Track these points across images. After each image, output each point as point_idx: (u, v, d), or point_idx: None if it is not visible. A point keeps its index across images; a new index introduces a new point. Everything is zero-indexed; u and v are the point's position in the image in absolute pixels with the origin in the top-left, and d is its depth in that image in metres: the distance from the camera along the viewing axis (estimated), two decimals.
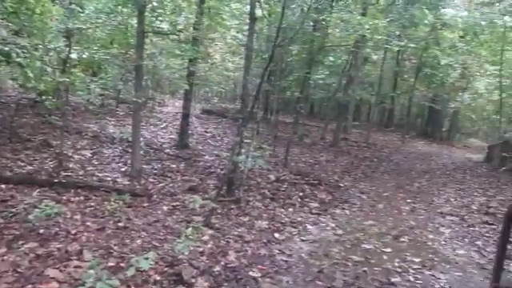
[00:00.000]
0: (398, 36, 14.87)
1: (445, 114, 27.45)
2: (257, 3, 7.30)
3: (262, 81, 6.32)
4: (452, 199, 10.29)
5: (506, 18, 16.63)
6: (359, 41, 11.94)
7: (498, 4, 16.72)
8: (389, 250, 5.96)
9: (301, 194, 8.28)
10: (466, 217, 8.67)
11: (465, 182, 13.03)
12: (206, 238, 5.07)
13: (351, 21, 9.44)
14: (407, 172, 13.57)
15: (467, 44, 20.98)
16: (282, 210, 7.06)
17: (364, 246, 6.00)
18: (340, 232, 6.47)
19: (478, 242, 7.09)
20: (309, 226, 6.52)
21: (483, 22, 18.25)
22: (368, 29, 9.40)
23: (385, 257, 5.67)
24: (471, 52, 21.95)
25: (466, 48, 21.39)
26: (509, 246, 7.05)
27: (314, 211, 7.38)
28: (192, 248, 4.43)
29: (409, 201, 9.52)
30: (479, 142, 31.64)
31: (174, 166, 8.82)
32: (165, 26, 8.56)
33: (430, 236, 7.04)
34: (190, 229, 4.36)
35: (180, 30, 8.75)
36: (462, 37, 19.73)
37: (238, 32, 14.38)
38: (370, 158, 14.84)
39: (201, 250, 4.76)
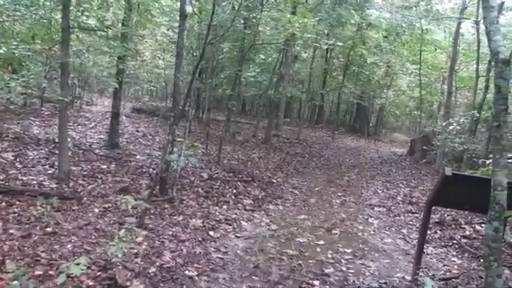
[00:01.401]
0: (327, 35, 15.32)
1: (371, 110, 28.65)
2: (187, 0, 7.22)
3: (193, 78, 6.26)
4: (379, 191, 10.78)
5: (423, 21, 17.63)
6: (289, 39, 12.15)
7: (414, 8, 17.66)
8: (322, 242, 6.14)
9: (234, 191, 8.30)
10: (392, 207, 9.12)
11: (391, 174, 13.68)
12: (139, 239, 4.95)
13: (281, 19, 9.59)
14: (337, 166, 14.02)
15: (390, 44, 22.02)
16: (216, 207, 7.05)
17: (298, 239, 6.13)
18: (274, 227, 6.56)
19: (403, 230, 7.49)
20: (243, 223, 6.55)
21: (404, 24, 19.25)
22: (298, 27, 9.58)
23: (318, 249, 5.83)
24: (394, 51, 23.08)
25: (389, 47, 22.45)
26: (429, 232, 7.48)
27: (247, 208, 7.43)
28: (126, 250, 4.31)
29: (339, 194, 9.85)
30: (403, 136, 33.31)
31: (104, 166, 8.52)
32: (92, 22, 8.23)
33: (360, 227, 7.33)
34: (122, 231, 4.23)
35: (108, 27, 8.46)
36: (385, 37, 20.69)
37: (168, 29, 14.12)
38: (302, 154, 15.18)
39: (135, 251, 4.64)
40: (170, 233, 5.47)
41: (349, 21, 15.77)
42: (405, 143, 25.59)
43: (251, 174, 9.98)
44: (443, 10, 17.06)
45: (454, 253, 6.51)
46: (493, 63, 3.80)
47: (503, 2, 11.06)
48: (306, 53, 25.08)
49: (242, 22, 11.90)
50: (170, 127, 6.65)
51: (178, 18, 7.61)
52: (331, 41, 12.33)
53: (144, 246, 4.83)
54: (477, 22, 12.41)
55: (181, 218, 6.14)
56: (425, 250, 6.50)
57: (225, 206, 7.21)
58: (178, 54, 6.44)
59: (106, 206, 6.10)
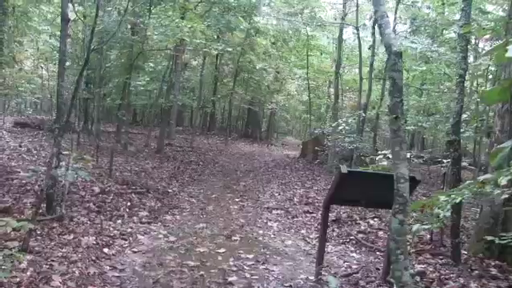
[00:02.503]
0: (217, 40, 15.39)
1: (263, 115, 29.32)
2: (69, 4, 6.76)
3: (77, 86, 5.85)
4: (276, 194, 11.00)
5: (308, 27, 18.49)
6: (178, 45, 11.97)
7: (300, 15, 18.44)
8: (223, 250, 6.06)
9: (128, 203, 7.93)
10: (290, 209, 9.34)
11: (285, 177, 14.06)
12: (23, 265, 4.46)
13: (170, 24, 9.40)
14: (233, 172, 14.09)
15: (278, 50, 22.76)
16: (110, 222, 6.66)
17: (198, 249, 5.99)
18: (172, 239, 6.36)
19: (302, 231, 7.69)
20: (140, 236, 6.26)
21: (290, 31, 20.04)
22: (187, 32, 9.46)
23: (220, 258, 5.74)
24: (282, 57, 23.90)
25: (277, 53, 23.20)
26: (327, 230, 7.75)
27: (143, 220, 7.13)
28: (6, 280, 3.86)
29: (237, 200, 9.88)
30: (294, 139, 34.63)
31: None
32: None
33: (260, 231, 7.39)
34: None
35: None
36: (273, 43, 21.32)
37: (50, 36, 13.16)
38: (196, 162, 15.04)
39: (17, 280, 4.17)
40: (60, 254, 5.03)
41: (238, 27, 16.01)
42: (296, 146, 26.59)
43: (145, 184, 9.64)
44: (326, 17, 18.06)
45: (353, 248, 6.82)
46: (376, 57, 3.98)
47: None
48: (195, 60, 25.04)
49: (129, 27, 11.45)
50: (54, 139, 6.16)
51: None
52: (220, 46, 12.37)
53: (29, 273, 4.36)
54: (357, 28, 13.25)
55: (71, 236, 5.69)
56: (325, 250, 6.75)
57: (119, 221, 6.84)
58: (61, 60, 5.98)
59: None
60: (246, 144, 25.08)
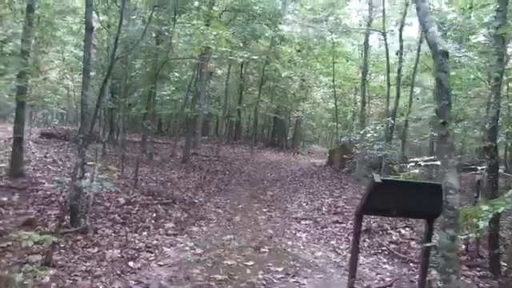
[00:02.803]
0: (242, 48, 15.27)
1: (289, 123, 29.05)
2: (93, 13, 6.70)
3: (100, 95, 5.75)
4: (304, 204, 10.71)
5: (334, 35, 18.23)
6: (204, 53, 11.86)
7: (325, 22, 18.20)
8: (251, 263, 5.82)
9: (154, 214, 7.78)
10: (318, 219, 9.04)
11: (313, 185, 13.74)
12: (46, 279, 4.33)
13: (195, 32, 9.29)
14: (259, 182, 13.86)
15: (303, 58, 22.52)
16: (136, 234, 6.50)
17: (226, 262, 5.77)
18: (199, 251, 6.15)
19: (332, 242, 7.40)
20: (166, 249, 6.07)
21: (315, 39, 19.81)
22: (212, 40, 9.33)
23: (248, 271, 5.51)
24: (307, 65, 23.66)
25: (302, 61, 22.97)
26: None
27: (169, 232, 6.95)
28: None
29: (264, 210, 9.63)
30: (320, 147, 34.24)
31: (4, 198, 7.62)
32: None
33: (289, 242, 7.13)
34: (21, 274, 3.62)
35: (3, 41, 7.64)
36: (298, 51, 21.10)
37: (75, 47, 13.24)
38: (222, 172, 14.87)
39: None
40: (84, 268, 4.88)
41: (263, 34, 15.86)
42: (323, 154, 26.19)
43: (171, 195, 9.49)
44: (351, 23, 17.77)
45: (385, 260, 6.50)
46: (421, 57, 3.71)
47: None
48: (220, 69, 25.04)
49: (154, 35, 11.39)
50: (78, 150, 6.05)
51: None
52: (246, 54, 12.20)
53: None
54: (384, 34, 12.92)
55: (96, 249, 5.55)
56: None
57: (145, 233, 6.68)
58: (85, 70, 5.89)
59: (4, 245, 5.31)
60: (272, 153, 24.83)
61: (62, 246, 5.42)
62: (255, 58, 14.32)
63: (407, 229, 8.53)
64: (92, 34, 6.00)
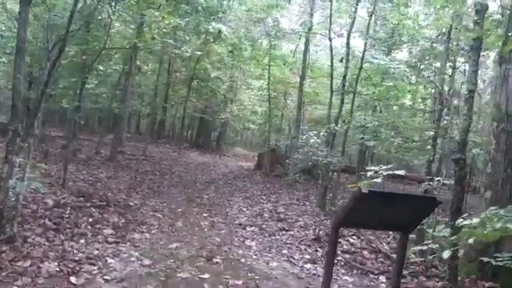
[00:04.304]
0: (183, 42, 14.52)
1: (214, 124, 28.46)
2: None
3: (48, 79, 4.88)
4: (244, 209, 10.29)
5: (271, 37, 17.99)
6: (138, 45, 10.99)
7: (259, 24, 17.87)
8: (207, 275, 5.28)
9: (90, 219, 6.92)
10: (263, 226, 8.66)
11: (247, 190, 13.36)
12: None
13: (147, 19, 8.44)
14: (192, 184, 13.23)
15: (234, 59, 22.07)
16: (72, 242, 5.66)
17: (179, 275, 5.17)
18: (147, 262, 5.48)
19: (284, 251, 7.04)
20: (110, 260, 5.33)
21: (246, 41, 19.44)
22: (163, 28, 8.57)
23: (206, 285, 4.96)
24: (237, 66, 23.28)
25: (232, 62, 22.52)
26: (309, 250, 7.13)
27: (110, 239, 6.17)
28: None
29: (205, 215, 9.08)
30: (242, 150, 34.01)
31: None
32: None
33: (240, 251, 6.66)
34: None
35: None
36: (230, 51, 20.61)
37: None
38: (153, 172, 14.03)
39: None
40: None
41: (207, 30, 15.18)
42: (251, 157, 25.98)
43: (104, 196, 8.62)
44: (288, 27, 17.65)
45: (343, 270, 6.24)
46: None
47: None
48: (147, 66, 23.97)
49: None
50: (7, 145, 5.14)
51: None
52: (190, 48, 11.46)
53: None
54: (330, 38, 12.83)
55: (28, 262, 4.69)
56: (314, 272, 6.11)
57: (82, 240, 5.86)
58: (19, 49, 4.99)
59: None
60: (198, 154, 24.11)
61: None
62: (199, 53, 13.63)
63: (354, 237, 8.40)
64: (29, 8, 5.10)
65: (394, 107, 17.81)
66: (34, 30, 11.09)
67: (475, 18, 5.56)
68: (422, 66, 15.98)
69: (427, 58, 14.13)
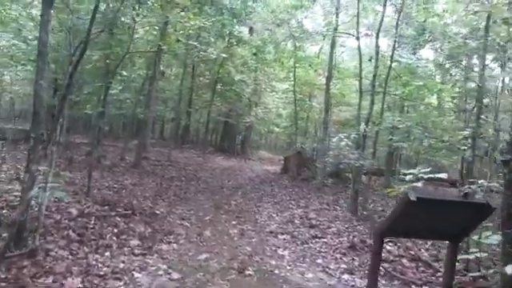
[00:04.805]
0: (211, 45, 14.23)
1: (239, 128, 28.16)
2: None
3: (69, 82, 4.61)
4: (274, 215, 9.91)
5: (295, 39, 17.60)
6: (164, 46, 10.70)
7: (287, 25, 17.48)
8: None
9: (115, 229, 6.64)
10: (295, 233, 8.28)
11: (276, 195, 12.99)
12: None
13: (173, 21, 8.16)
14: (219, 190, 12.91)
15: (257, 62, 21.73)
16: (97, 255, 5.37)
17: None
18: (176, 276, 5.16)
19: (318, 261, 6.65)
20: (136, 274, 5.02)
21: (270, 44, 19.09)
22: (190, 30, 8.28)
23: None
24: (261, 69, 22.95)
25: (256, 65, 22.19)
26: (345, 259, 6.70)
27: (136, 251, 5.87)
28: None
29: (234, 222, 8.73)
30: (267, 153, 33.64)
31: None
32: None
33: (273, 262, 6.29)
34: None
35: None
36: (254, 54, 20.28)
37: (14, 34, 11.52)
38: (178, 178, 13.76)
39: None
40: None
41: (232, 32, 14.88)
42: (276, 161, 25.60)
43: (130, 205, 8.33)
44: (313, 27, 17.23)
45: (384, 281, 5.80)
46: None
47: None
48: (171, 70, 23.84)
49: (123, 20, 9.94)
50: (29, 153, 4.88)
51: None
52: (215, 51, 11.17)
53: None
54: (358, 38, 12.37)
55: (50, 278, 4.41)
56: (353, 283, 5.70)
57: (107, 253, 5.56)
58: (41, 53, 4.73)
59: None
60: (223, 158, 23.85)
61: (2, 277, 4.24)
62: (224, 56, 13.33)
63: (391, 244, 7.95)
64: (51, 10, 4.85)
65: (421, 107, 17.26)
66: (59, 36, 10.97)
67: None
68: (447, 65, 15.43)
69: (457, 55, 13.57)
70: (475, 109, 14.77)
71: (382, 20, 11.16)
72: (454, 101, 15.63)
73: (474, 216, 4.08)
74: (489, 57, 12.18)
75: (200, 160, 20.39)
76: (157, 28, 8.90)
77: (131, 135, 19.68)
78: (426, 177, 5.82)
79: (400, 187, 6.32)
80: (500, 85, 14.77)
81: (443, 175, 5.80)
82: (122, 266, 5.18)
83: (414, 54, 17.63)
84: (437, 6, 14.88)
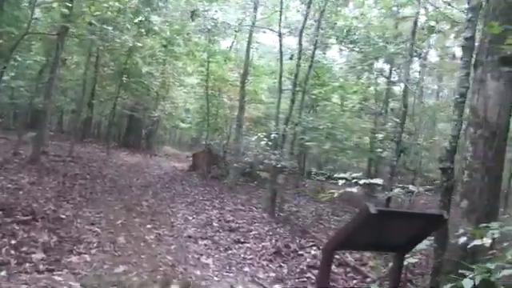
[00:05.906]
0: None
1: (145, 122, 26.89)
2: None
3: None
4: (189, 217, 9.38)
5: (209, 32, 17.01)
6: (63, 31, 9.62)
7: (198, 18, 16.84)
8: None
9: (12, 240, 5.67)
10: (215, 237, 7.86)
11: (188, 194, 12.44)
12: None
13: None
14: (128, 189, 12.02)
15: (166, 54, 20.80)
16: None
17: None
18: None
19: (245, 269, 6.30)
20: None
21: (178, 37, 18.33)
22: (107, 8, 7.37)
23: None
24: (170, 62, 22.05)
25: (165, 58, 21.26)
26: (272, 266, 6.41)
27: (41, 267, 5.02)
28: None
29: (149, 226, 8.06)
30: (171, 149, 32.68)
31: None
32: None
33: (198, 272, 5.81)
34: None
35: None
36: (164, 46, 19.33)
37: None
38: (82, 176, 12.56)
39: None
40: None
41: (148, 19, 13.90)
42: (180, 157, 24.88)
43: (29, 208, 7.32)
44: (229, 20, 16.77)
45: None
46: None
47: None
48: (71, 58, 22.02)
49: None
50: None
51: None
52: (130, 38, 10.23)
53: None
54: (280, 34, 12.12)
55: None
56: None
57: (2, 272, 4.67)
58: None
59: None
60: (128, 154, 22.53)
61: None
62: (140, 45, 12.37)
63: (314, 248, 7.81)
64: None
65: (328, 107, 17.67)
66: None
67: (469, 15, 5.08)
68: (359, 67, 15.87)
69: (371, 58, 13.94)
70: (384, 111, 15.39)
71: (306, 18, 11.03)
72: (364, 102, 16.07)
73: (426, 227, 3.91)
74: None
75: (104, 155, 19.03)
76: (68, 5, 7.84)
77: (25, 126, 17.78)
78: (361, 182, 5.65)
79: (334, 192, 6.12)
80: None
81: (379, 181, 5.67)
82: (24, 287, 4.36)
83: (324, 53, 17.98)
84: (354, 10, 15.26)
